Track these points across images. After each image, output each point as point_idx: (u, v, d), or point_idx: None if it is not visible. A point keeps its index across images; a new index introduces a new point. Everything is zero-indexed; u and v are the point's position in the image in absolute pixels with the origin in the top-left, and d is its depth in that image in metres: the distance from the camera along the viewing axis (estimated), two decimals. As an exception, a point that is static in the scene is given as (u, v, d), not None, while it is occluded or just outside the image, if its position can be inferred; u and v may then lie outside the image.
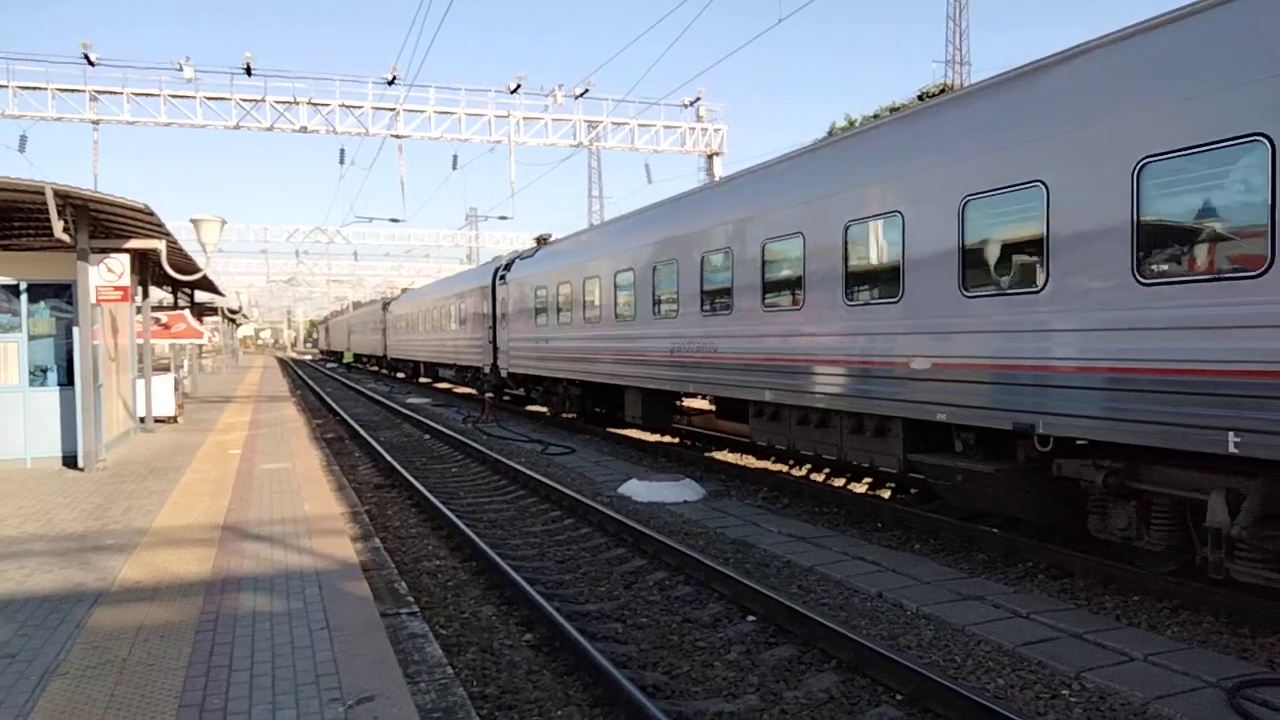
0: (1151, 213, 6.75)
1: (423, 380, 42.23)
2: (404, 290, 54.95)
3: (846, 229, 9.92)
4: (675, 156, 38.66)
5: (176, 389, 20.66)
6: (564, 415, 21.56)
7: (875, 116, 33.44)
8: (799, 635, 6.46)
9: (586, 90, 31.62)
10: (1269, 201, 5.97)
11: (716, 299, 12.86)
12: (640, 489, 12.14)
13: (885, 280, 9.41)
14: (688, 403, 18.35)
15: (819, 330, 10.43)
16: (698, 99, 34.41)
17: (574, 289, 18.81)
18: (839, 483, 12.63)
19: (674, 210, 15.11)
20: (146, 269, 17.37)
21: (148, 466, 12.83)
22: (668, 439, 18.25)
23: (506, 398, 26.83)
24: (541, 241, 24.28)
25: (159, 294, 25.10)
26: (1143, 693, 5.33)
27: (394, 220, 41.63)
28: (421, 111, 30.58)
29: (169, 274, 15.83)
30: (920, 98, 34.37)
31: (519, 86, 30.91)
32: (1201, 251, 6.50)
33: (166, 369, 23.83)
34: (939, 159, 8.70)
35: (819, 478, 13.05)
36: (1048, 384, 7.55)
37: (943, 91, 33.39)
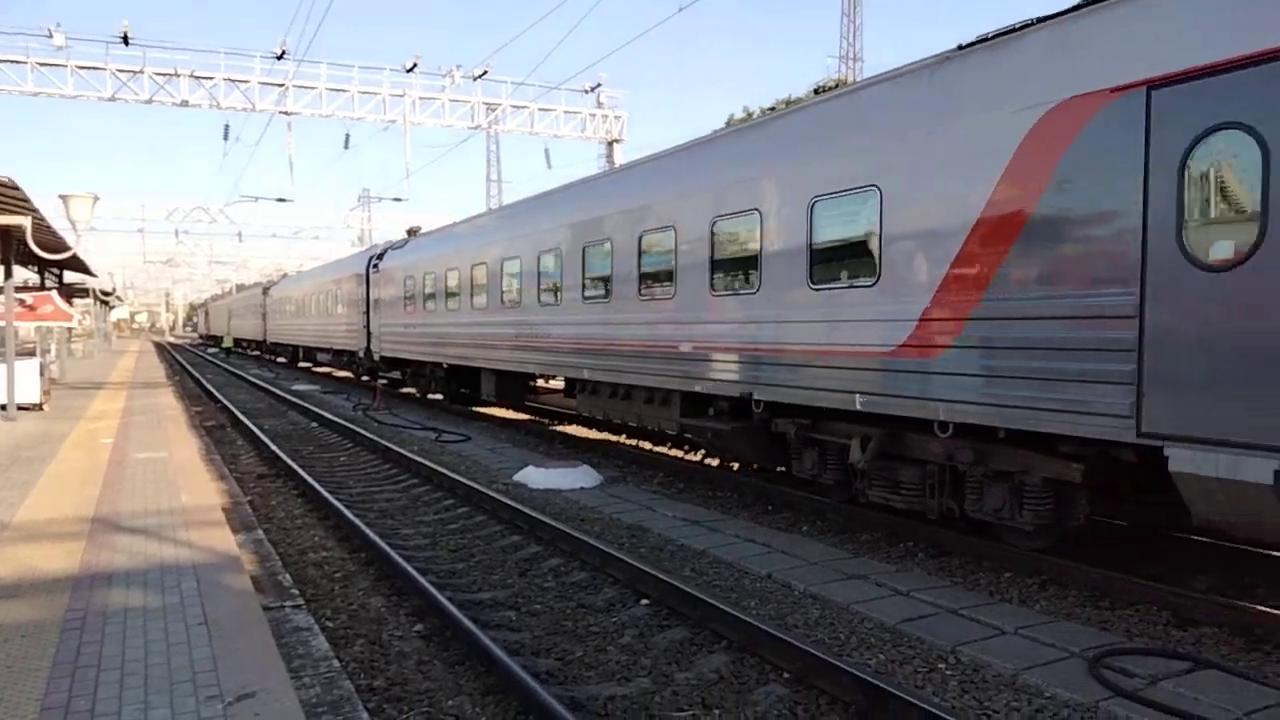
0: (819, 237, 9.10)
1: (303, 365, 41.39)
2: (283, 275, 53.41)
3: (640, 238, 12.18)
4: (576, 142, 38.52)
5: (42, 374, 19.45)
6: (430, 396, 22.83)
7: (771, 109, 34.03)
8: (691, 617, 6.56)
9: (485, 72, 31.13)
10: (878, 232, 8.32)
11: (549, 292, 14.93)
12: (537, 476, 12.09)
13: (665, 281, 11.67)
14: (545, 382, 19.81)
15: (622, 319, 12.63)
16: (598, 85, 34.31)
17: (438, 279, 20.52)
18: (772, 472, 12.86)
19: (519, 213, 17.36)
20: (10, 247, 16.28)
21: (9, 456, 12.06)
22: (565, 427, 18.23)
23: (382, 381, 26.33)
24: (412, 233, 25.40)
25: (24, 274, 23.59)
26: (1013, 664, 5.62)
27: (281, 200, 40.07)
28: (312, 88, 29.58)
29: (35, 253, 14.88)
30: (815, 91, 35.13)
31: (415, 66, 30.19)
32: (846, 266, 8.84)
33: (32, 353, 22.42)
34: (702, 197, 10.94)
35: (714, 463, 13.26)
36: (760, 362, 9.96)
37: (837, 86, 34.20)
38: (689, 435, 11.89)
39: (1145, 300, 6.19)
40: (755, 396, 9.99)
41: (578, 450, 15.29)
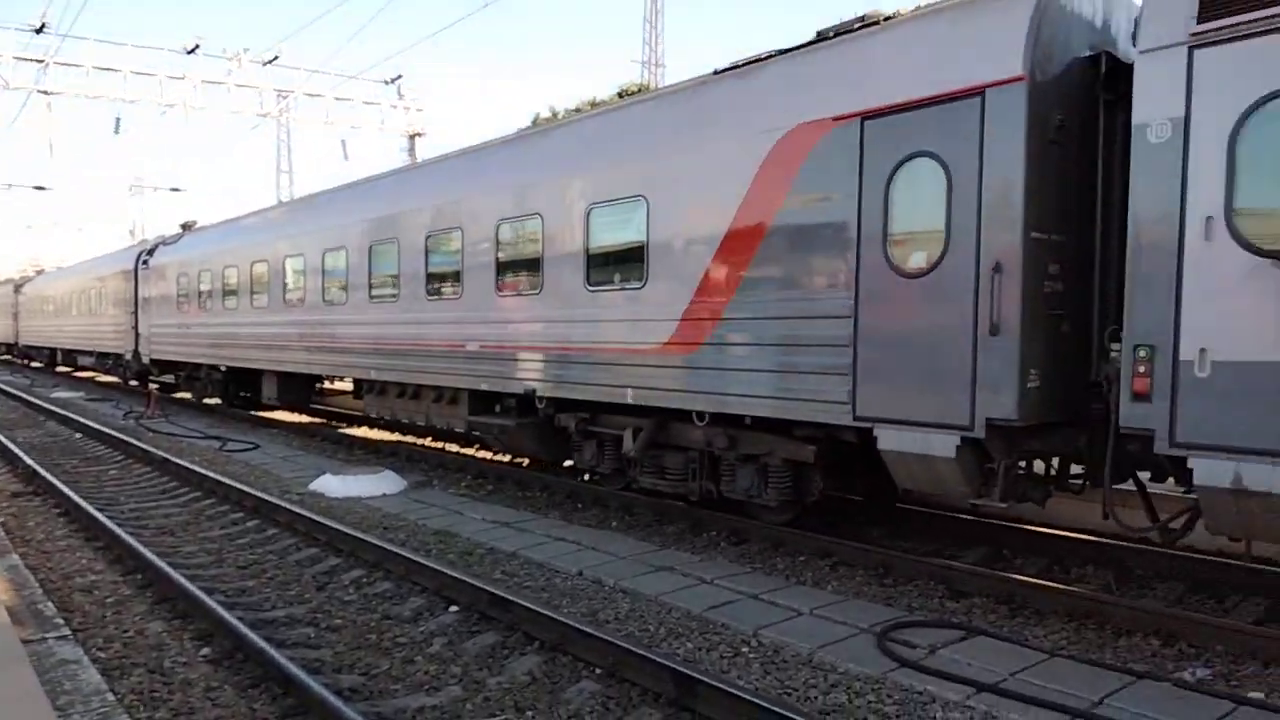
0: (595, 242, 9.67)
1: (63, 369, 37.58)
2: (39, 272, 48.35)
3: (428, 238, 12.31)
4: (376, 135, 37.08)
5: None
6: (206, 400, 21.84)
7: (576, 110, 34.22)
8: (502, 621, 6.47)
9: (276, 57, 29.32)
10: (646, 239, 9.01)
11: (337, 291, 14.73)
12: (334, 484, 11.55)
13: (452, 281, 11.92)
14: (332, 383, 19.19)
15: (411, 319, 12.73)
16: (399, 77, 33.19)
17: (216, 276, 19.60)
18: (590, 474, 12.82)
19: (304, 209, 17.03)
20: None
21: None
22: (365, 431, 17.54)
23: (155, 387, 24.42)
24: (187, 227, 23.94)
25: None
26: (809, 644, 5.93)
27: (39, 188, 36.18)
28: (78, 66, 26.79)
29: None
30: (619, 94, 35.64)
31: (197, 47, 28.00)
32: (619, 270, 9.41)
33: None
34: (488, 200, 11.29)
35: (524, 463, 13.16)
36: (543, 360, 10.43)
37: (639, 91, 34.86)
38: (477, 433, 12.22)
39: (859, 303, 7.21)
40: (539, 393, 10.53)
41: (379, 455, 14.75)
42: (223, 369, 20.05)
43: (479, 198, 11.46)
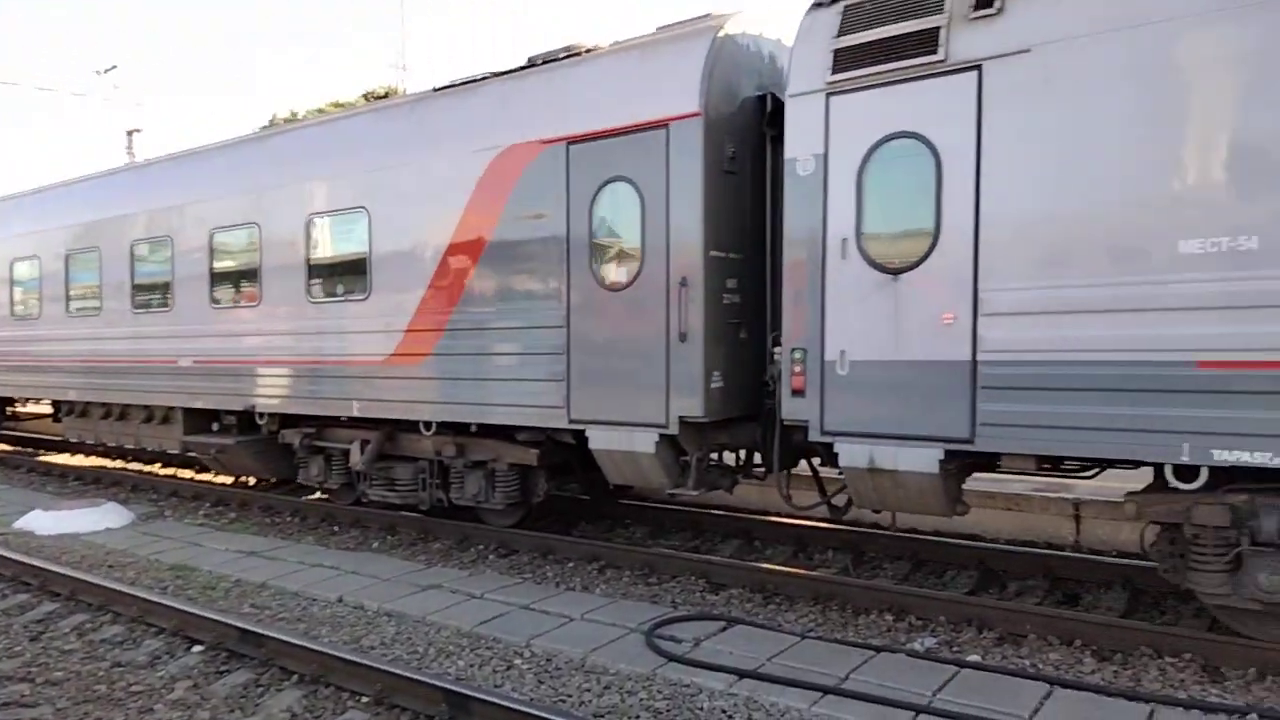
0: (316, 253, 9.71)
1: None
2: None
3: (133, 248, 11.88)
4: (88, 130, 33.27)
5: None
6: None
7: (321, 110, 32.60)
8: (254, 657, 6.03)
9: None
10: (369, 250, 9.16)
11: (29, 303, 13.85)
12: (46, 521, 10.25)
13: (162, 293, 11.49)
14: (23, 405, 17.06)
15: (115, 334, 12.17)
16: (114, 67, 30.17)
17: None
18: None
19: None
20: None
21: None
22: (82, 460, 15.69)
23: None
24: None
25: None
26: (581, 649, 6.00)
27: None
28: None
29: None
30: (365, 97, 34.34)
31: None
32: (342, 282, 9.51)
33: None
34: (201, 208, 10.99)
35: (272, 486, 12.33)
36: (264, 375, 10.24)
37: (387, 95, 33.79)
38: (193, 454, 11.74)
39: (570, 314, 7.77)
40: (260, 409, 10.39)
41: (99, 486, 13.27)
42: None
43: (192, 205, 11.10)
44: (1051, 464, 6.07)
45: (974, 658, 5.77)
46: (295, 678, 5.74)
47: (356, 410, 9.33)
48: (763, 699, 5.12)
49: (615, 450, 7.59)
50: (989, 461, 6.31)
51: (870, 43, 6.27)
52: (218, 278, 10.71)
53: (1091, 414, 5.47)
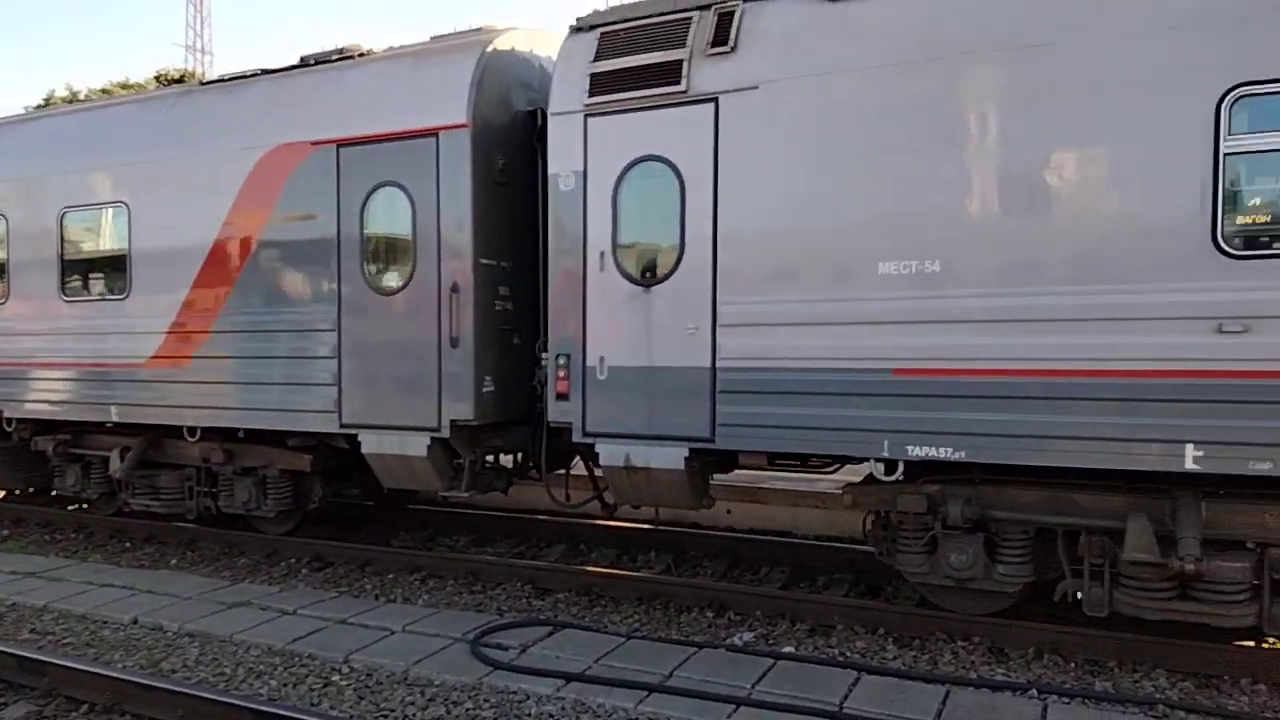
0: (68, 250, 9.35)
1: None
2: None
3: None
4: None
5: None
6: None
7: (105, 91, 30.04)
8: (36, 687, 5.49)
9: None
10: (128, 246, 8.84)
11: None
12: None
13: None
14: None
15: None
16: None
17: None
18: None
19: None
20: None
21: None
22: None
23: None
24: None
25: None
26: (404, 660, 5.83)
27: None
28: None
29: None
30: (157, 79, 31.95)
31: None
32: (100, 279, 9.17)
33: None
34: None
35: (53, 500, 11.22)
36: (9, 378, 9.73)
37: (182, 78, 31.60)
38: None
39: (341, 317, 7.80)
40: (6, 415, 9.82)
41: None
42: None
43: None
44: (799, 460, 6.64)
45: (789, 649, 6.06)
46: (84, 708, 5.28)
47: (115, 415, 8.96)
48: (590, 701, 5.17)
49: (388, 454, 7.67)
50: (730, 459, 6.85)
51: (623, 70, 6.68)
52: None
53: (808, 415, 6.07)
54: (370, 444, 7.70)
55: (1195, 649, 5.62)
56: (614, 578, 7.44)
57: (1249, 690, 5.39)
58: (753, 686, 5.29)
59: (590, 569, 7.81)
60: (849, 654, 6.01)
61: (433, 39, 7.98)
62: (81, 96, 30.40)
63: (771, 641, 6.29)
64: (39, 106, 10.59)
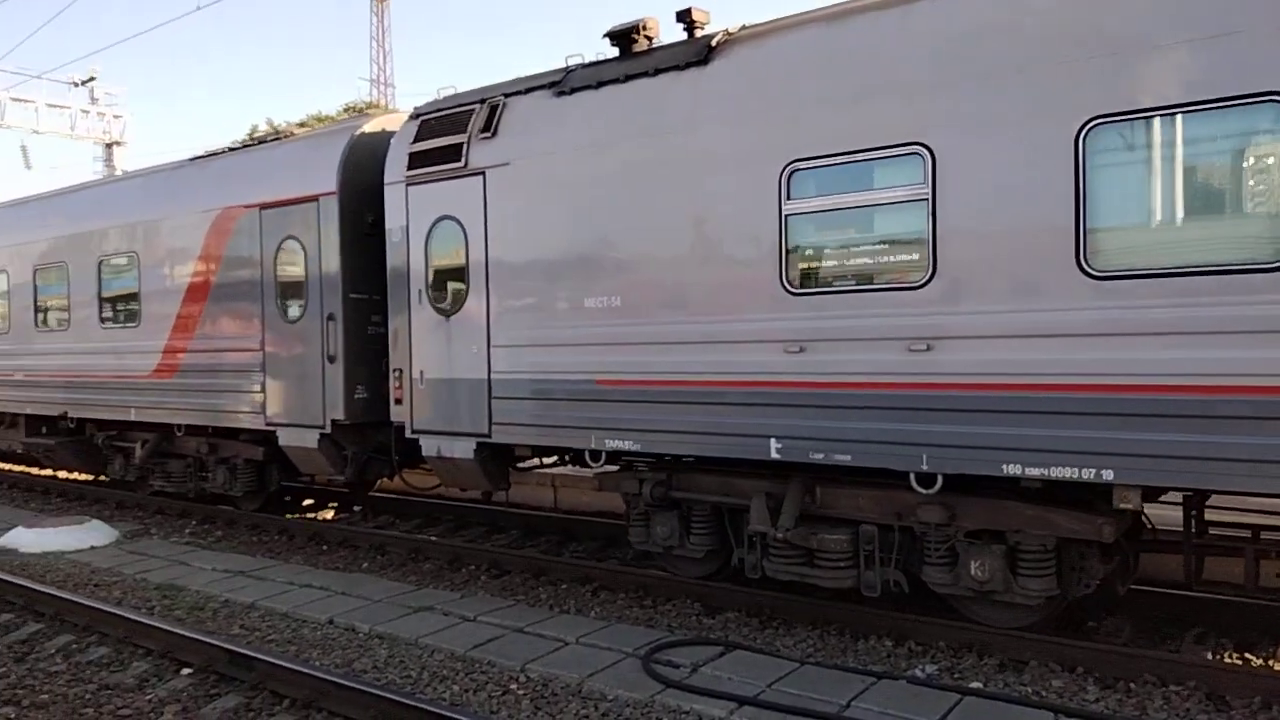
0: (106, 289, 12.07)
1: None
2: None
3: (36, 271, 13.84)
4: (65, 141, 32.99)
5: None
6: None
7: (301, 124, 32.51)
8: (245, 681, 5.91)
9: (-64, 49, 25.43)
10: (139, 286, 11.49)
11: None
12: (29, 538, 10.09)
13: (4, 319, 13.94)
14: None
15: None
16: (92, 78, 29.91)
17: None
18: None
19: None
20: None
21: None
22: (66, 477, 15.46)
23: None
24: None
25: None
26: (578, 673, 5.91)
27: None
28: None
29: None
30: (346, 110, 34.30)
31: None
32: (123, 311, 11.82)
33: None
34: (27, 249, 13.45)
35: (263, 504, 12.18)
36: (73, 386, 12.44)
37: (366, 110, 33.73)
38: (36, 452, 13.78)
39: (264, 340, 9.97)
40: (71, 414, 12.53)
41: (83, 502, 13.09)
42: None
43: (22, 246, 13.53)
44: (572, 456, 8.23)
45: (976, 684, 5.72)
46: (287, 702, 5.63)
47: (134, 415, 11.51)
48: (764, 727, 5.05)
49: (294, 446, 9.77)
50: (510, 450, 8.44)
51: (428, 149, 8.49)
52: (39, 307, 13.14)
53: (546, 416, 7.76)
54: (284, 437, 9.83)
55: None
56: (788, 600, 7.26)
57: None
58: (939, 723, 5.02)
59: (764, 592, 7.65)
60: (1044, 693, 5.60)
61: (328, 126, 9.58)
62: (280, 128, 33.04)
63: (957, 675, 5.94)
64: (245, 139, 12.14)
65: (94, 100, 30.11)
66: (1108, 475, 5.38)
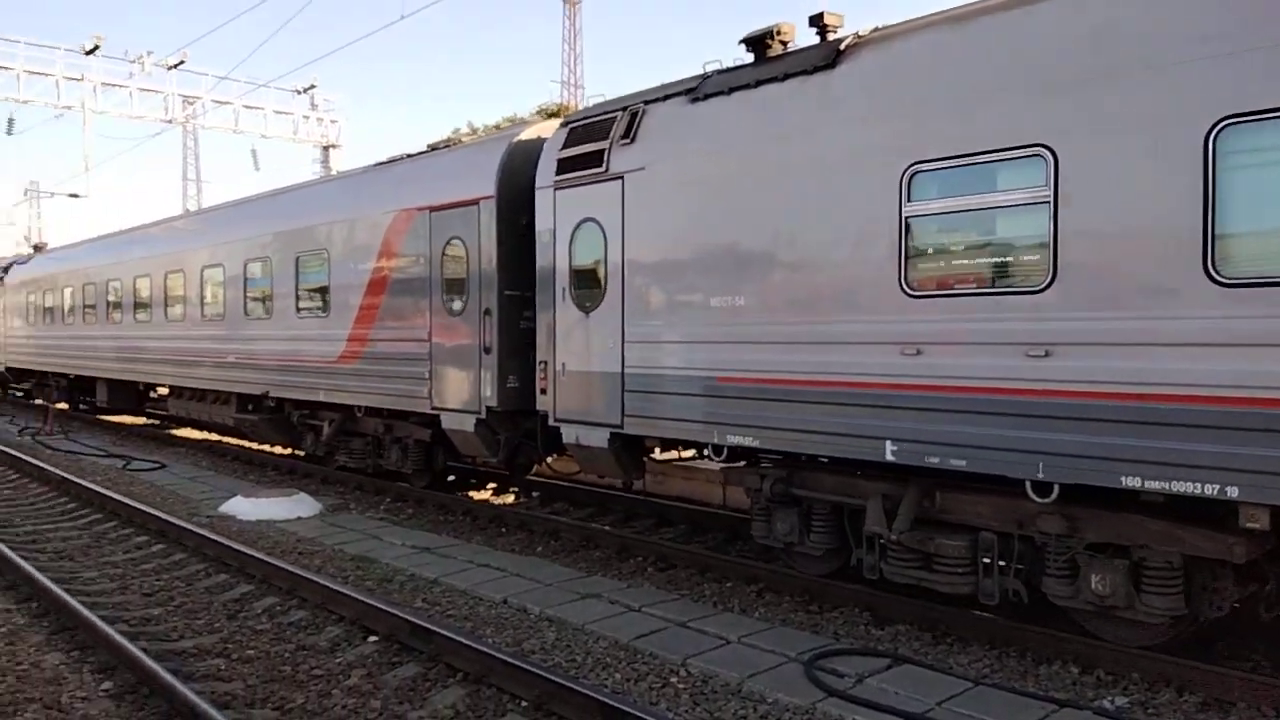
0: (302, 282, 13.34)
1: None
2: None
3: (204, 272, 15.82)
4: (288, 145, 36.12)
5: None
6: (58, 406, 23.03)
7: (497, 127, 34.02)
8: (424, 651, 6.27)
9: (182, 62, 28.43)
10: (328, 279, 12.60)
11: (139, 310, 18.32)
12: (246, 506, 11.12)
13: (218, 306, 15.36)
14: (155, 392, 20.72)
15: (194, 335, 16.12)
16: (312, 86, 32.48)
17: (55, 295, 22.89)
18: (491, 493, 12.57)
19: (120, 241, 20.30)
20: None
21: None
22: (279, 452, 16.95)
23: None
24: (38, 249, 27.52)
25: None
26: (738, 673, 5.89)
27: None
28: (-38, 63, 25.54)
29: None
30: (541, 114, 35.56)
31: (96, 48, 26.96)
32: (316, 302, 12.99)
33: None
34: (235, 246, 14.91)
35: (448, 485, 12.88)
36: (273, 369, 13.78)
37: (558, 113, 34.82)
38: (243, 427, 15.26)
39: (431, 331, 10.73)
40: (271, 394, 13.80)
41: (293, 477, 14.27)
42: (70, 376, 22.41)
43: (231, 242, 15.03)
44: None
45: (1172, 723, 5.24)
46: (460, 675, 5.92)
47: (322, 396, 12.66)
48: (930, 746, 4.84)
49: (455, 429, 10.47)
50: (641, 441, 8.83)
51: (574, 156, 8.98)
52: (249, 298, 14.43)
53: (671, 409, 8.08)
54: (447, 421, 10.54)
55: None
56: (963, 616, 6.92)
57: None
58: (1125, 760, 4.63)
59: (939, 607, 7.32)
60: (1253, 741, 5.06)
61: (490, 134, 9.72)
62: (480, 130, 34.67)
63: (1150, 710, 5.47)
64: (445, 140, 12.84)
65: (314, 106, 32.71)
66: (1232, 492, 5.08)
